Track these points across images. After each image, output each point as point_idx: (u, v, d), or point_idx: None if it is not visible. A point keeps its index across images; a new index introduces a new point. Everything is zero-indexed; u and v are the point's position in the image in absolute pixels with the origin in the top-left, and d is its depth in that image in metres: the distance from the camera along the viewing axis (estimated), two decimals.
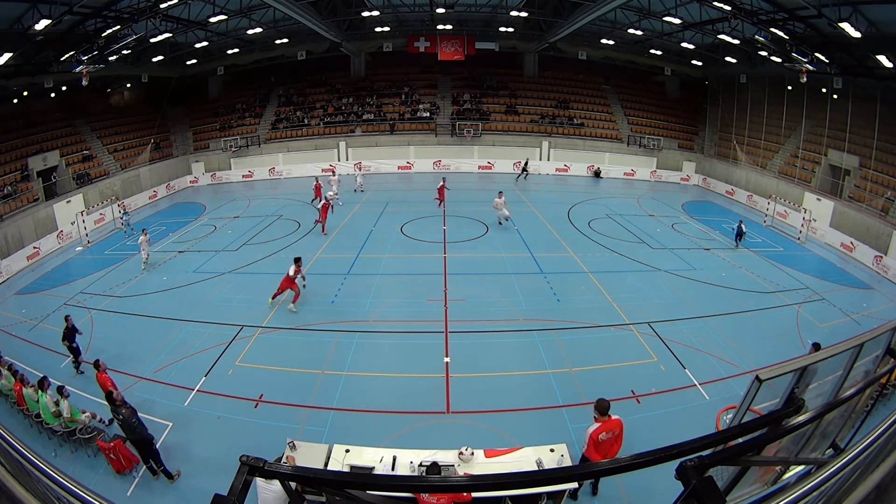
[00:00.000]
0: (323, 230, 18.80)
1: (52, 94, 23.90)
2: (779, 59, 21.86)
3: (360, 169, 26.51)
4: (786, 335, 11.90)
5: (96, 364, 8.62)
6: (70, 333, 10.22)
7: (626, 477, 6.87)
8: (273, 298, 12.83)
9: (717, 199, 26.70)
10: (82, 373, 10.18)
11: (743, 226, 18.63)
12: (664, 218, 21.98)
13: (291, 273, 12.42)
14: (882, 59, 17.06)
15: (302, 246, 17.78)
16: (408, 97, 33.48)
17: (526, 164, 28.89)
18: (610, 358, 10.63)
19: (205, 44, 26.32)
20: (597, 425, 6.17)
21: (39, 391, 8.08)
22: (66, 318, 10.34)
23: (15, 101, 23.43)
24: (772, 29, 19.20)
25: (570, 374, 10.04)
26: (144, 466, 7.46)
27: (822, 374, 2.55)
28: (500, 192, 19.52)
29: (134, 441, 7.25)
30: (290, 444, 6.35)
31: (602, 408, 6.18)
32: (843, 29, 15.83)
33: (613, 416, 6.22)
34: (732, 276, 15.39)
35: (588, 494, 7.03)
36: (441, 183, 22.06)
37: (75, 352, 10.28)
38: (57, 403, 7.98)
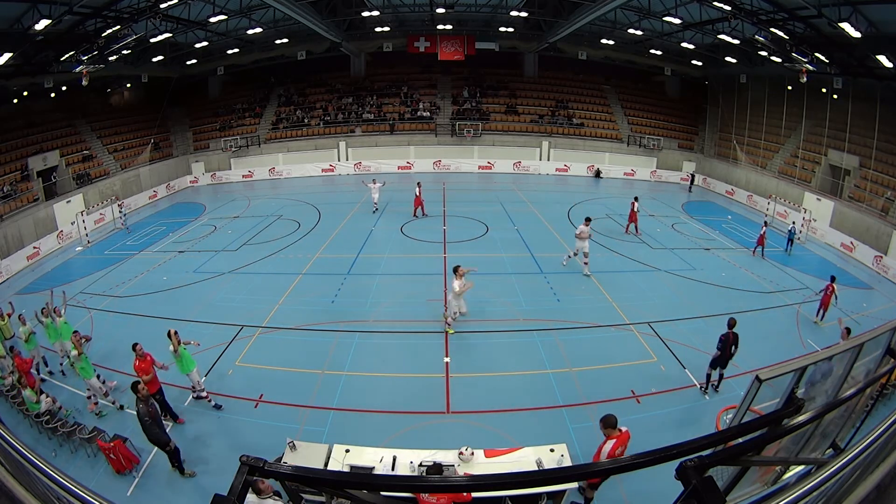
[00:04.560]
0: (419, 213, 20.88)
1: (52, 94, 23.89)
2: (779, 59, 21.86)
3: (374, 183, 21.59)
4: (786, 335, 11.90)
5: (134, 348, 8.48)
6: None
7: (625, 477, 6.87)
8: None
9: (717, 199, 26.70)
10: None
11: (795, 227, 18.54)
12: (664, 218, 21.98)
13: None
14: (882, 59, 17.06)
15: (301, 246, 17.80)
16: (408, 97, 33.48)
17: (692, 178, 29.13)
18: (610, 358, 10.63)
19: (205, 44, 26.31)
20: (612, 442, 5.82)
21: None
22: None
23: (15, 101, 23.42)
24: (772, 29, 19.20)
25: (570, 374, 10.04)
26: (144, 465, 7.47)
27: (823, 374, 2.55)
28: (588, 219, 14.80)
29: (148, 439, 7.26)
30: (290, 444, 6.34)
31: (611, 423, 5.83)
32: (843, 29, 15.83)
33: (623, 428, 5.96)
34: (732, 276, 15.39)
35: None
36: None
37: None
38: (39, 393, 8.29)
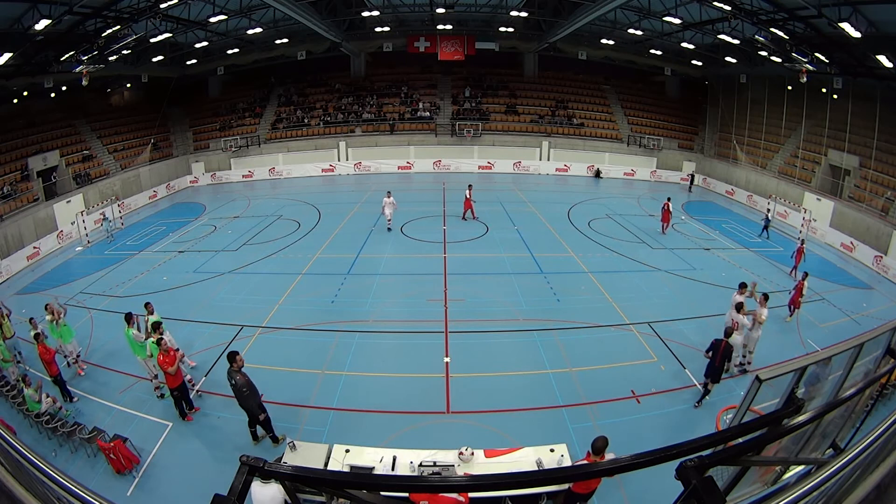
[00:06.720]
0: (468, 216, 20.42)
1: (52, 94, 23.88)
2: (779, 59, 21.86)
3: (389, 196, 19.15)
4: (786, 335, 11.90)
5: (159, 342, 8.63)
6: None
7: (625, 477, 6.88)
8: None
9: (717, 199, 26.69)
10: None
11: (769, 215, 20.23)
12: None
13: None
14: (882, 59, 17.05)
15: (301, 246, 17.79)
16: (408, 97, 33.48)
17: (692, 178, 29.13)
18: (610, 358, 10.63)
19: (205, 44, 26.31)
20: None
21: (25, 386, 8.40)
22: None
23: (15, 101, 23.42)
24: (772, 29, 19.19)
25: (570, 374, 10.04)
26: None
27: (823, 373, 2.55)
28: (743, 285, 10.87)
29: (242, 407, 7.54)
30: (291, 444, 6.34)
31: (597, 447, 5.58)
32: (843, 29, 15.82)
33: (608, 455, 5.67)
34: (732, 276, 15.34)
35: None
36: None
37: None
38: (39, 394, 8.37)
